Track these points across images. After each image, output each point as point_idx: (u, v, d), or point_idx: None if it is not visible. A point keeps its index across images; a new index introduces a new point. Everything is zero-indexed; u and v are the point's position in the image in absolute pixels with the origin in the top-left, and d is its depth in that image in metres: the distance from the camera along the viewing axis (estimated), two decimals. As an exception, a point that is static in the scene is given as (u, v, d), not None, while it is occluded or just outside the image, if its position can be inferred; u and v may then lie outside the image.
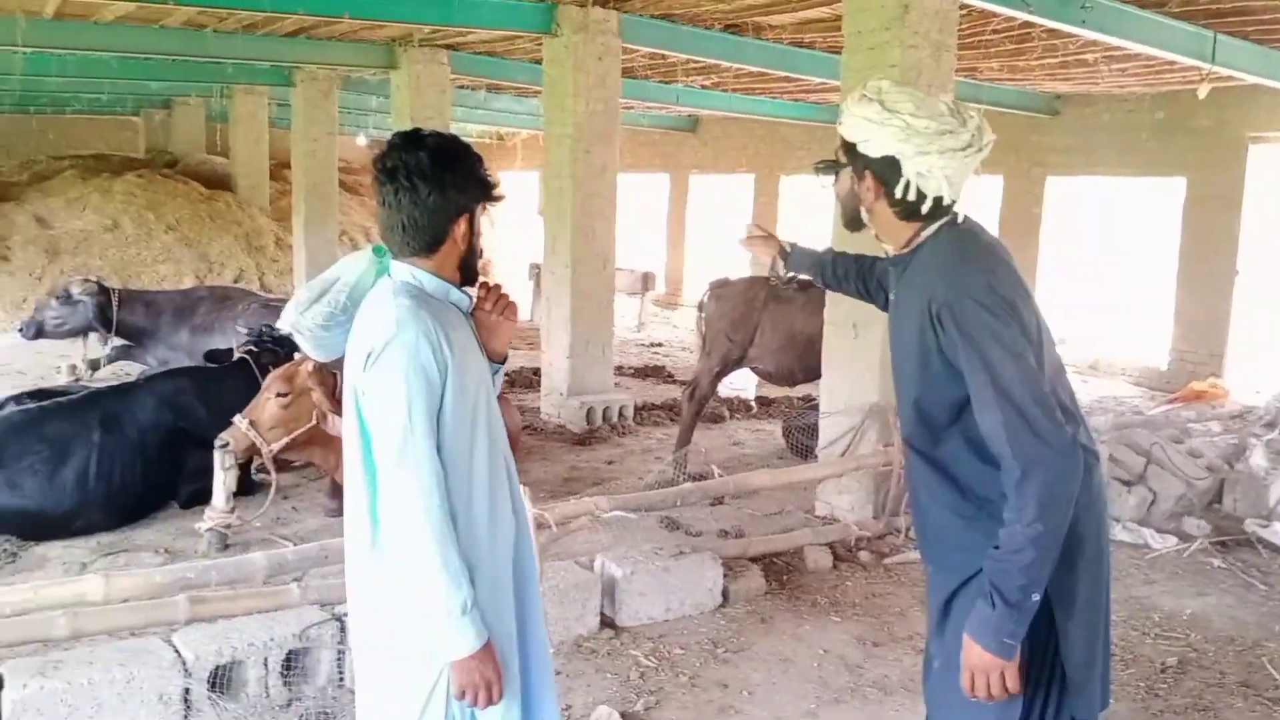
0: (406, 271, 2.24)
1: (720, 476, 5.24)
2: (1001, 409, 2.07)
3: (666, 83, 12.22)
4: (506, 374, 10.41)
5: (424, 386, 2.10)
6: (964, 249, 2.27)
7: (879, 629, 4.49)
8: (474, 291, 2.36)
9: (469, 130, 19.21)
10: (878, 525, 5.53)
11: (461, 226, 2.22)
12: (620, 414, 8.25)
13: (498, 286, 2.41)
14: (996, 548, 2.10)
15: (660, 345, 13.41)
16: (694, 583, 4.54)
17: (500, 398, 2.46)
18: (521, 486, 4.23)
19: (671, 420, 8.32)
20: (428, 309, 2.16)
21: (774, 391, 8.94)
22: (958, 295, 2.14)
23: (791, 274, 3.12)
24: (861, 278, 2.84)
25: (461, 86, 13.09)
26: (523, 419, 8.02)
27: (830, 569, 5.17)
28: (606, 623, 4.34)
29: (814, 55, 9.42)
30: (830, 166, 2.43)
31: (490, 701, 2.16)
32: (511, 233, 18.86)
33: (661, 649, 4.18)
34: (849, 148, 2.31)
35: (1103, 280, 12.97)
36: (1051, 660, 2.23)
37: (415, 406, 2.08)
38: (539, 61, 8.67)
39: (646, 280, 15.03)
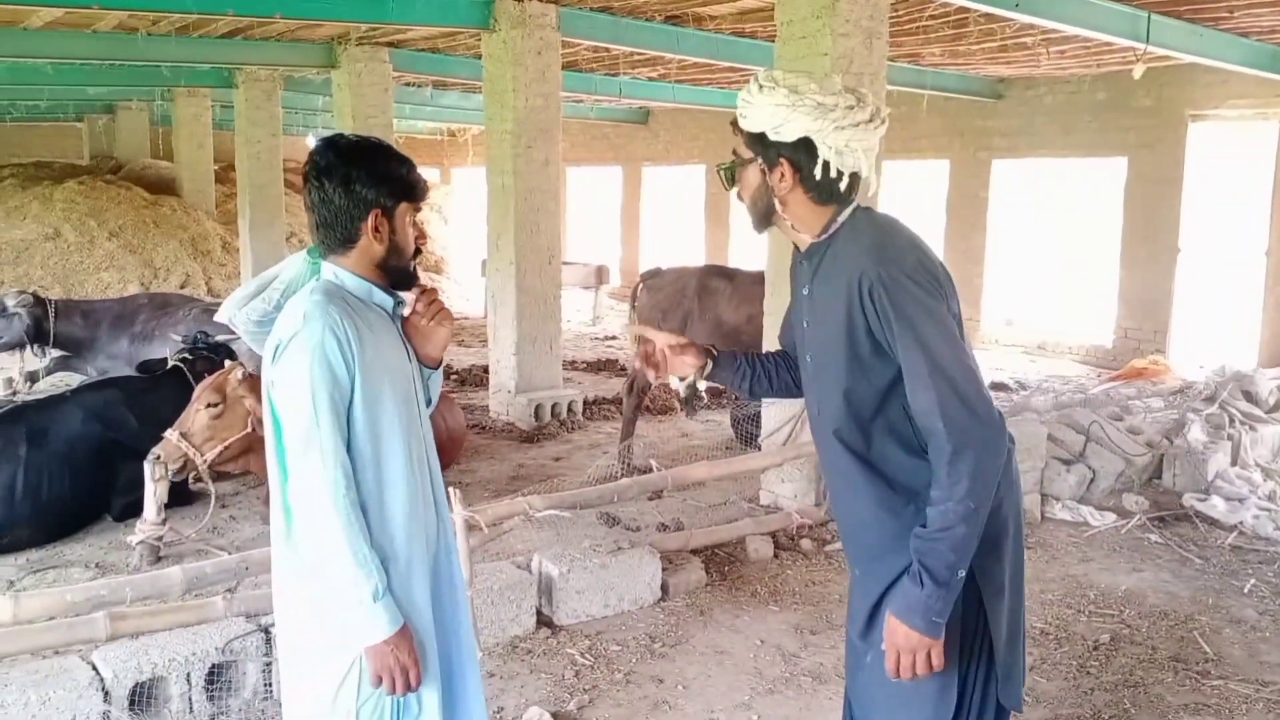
0: (331, 271, 2.27)
1: (659, 470, 5.22)
2: (936, 385, 2.05)
3: (611, 75, 12.18)
4: (456, 373, 10.16)
5: (329, 380, 2.11)
6: (886, 228, 2.25)
7: (816, 617, 4.49)
8: (410, 296, 2.35)
9: (418, 127, 19.03)
10: (819, 512, 5.54)
11: (371, 223, 2.21)
12: (569, 409, 8.22)
13: (432, 291, 2.41)
14: (924, 526, 2.09)
15: (614, 338, 13.40)
16: (632, 578, 4.52)
17: (444, 397, 2.46)
18: (454, 489, 4.18)
19: (621, 414, 8.28)
20: (341, 306, 2.17)
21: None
22: (890, 271, 2.10)
23: (691, 386, 2.74)
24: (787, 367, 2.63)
25: (407, 84, 12.98)
26: (471, 418, 7.97)
27: (772, 558, 5.17)
28: (544, 622, 4.31)
29: (756, 44, 9.39)
30: (735, 166, 2.33)
31: (408, 687, 2.16)
32: (467, 229, 18.72)
33: (598, 646, 4.16)
34: (756, 139, 2.25)
35: (1050, 261, 13.08)
36: (978, 644, 2.23)
37: (320, 398, 2.10)
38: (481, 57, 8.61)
39: (600, 273, 14.99)
